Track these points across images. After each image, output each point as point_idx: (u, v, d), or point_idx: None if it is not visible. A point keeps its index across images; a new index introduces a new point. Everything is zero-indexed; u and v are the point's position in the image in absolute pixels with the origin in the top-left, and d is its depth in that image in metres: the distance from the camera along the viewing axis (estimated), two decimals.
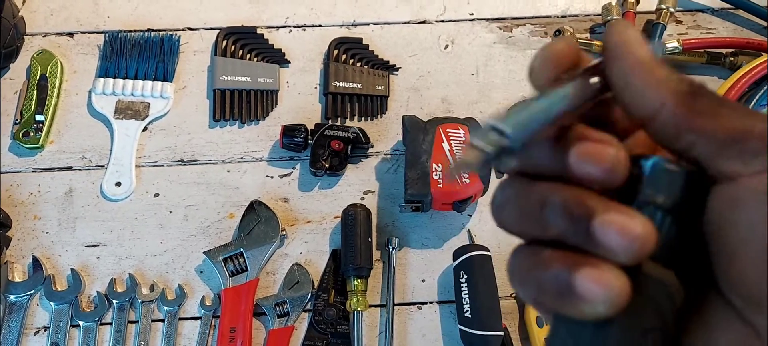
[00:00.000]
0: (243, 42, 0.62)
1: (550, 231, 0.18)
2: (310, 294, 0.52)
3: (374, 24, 0.64)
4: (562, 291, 0.17)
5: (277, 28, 0.64)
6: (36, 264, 0.52)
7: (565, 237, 0.17)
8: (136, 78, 0.60)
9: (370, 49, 0.63)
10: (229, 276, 0.52)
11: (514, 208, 0.19)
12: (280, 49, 0.62)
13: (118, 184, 0.56)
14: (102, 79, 0.59)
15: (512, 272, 0.19)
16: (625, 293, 0.16)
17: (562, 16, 0.65)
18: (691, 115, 0.17)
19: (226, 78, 0.59)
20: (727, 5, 0.64)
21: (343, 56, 0.61)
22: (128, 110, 0.59)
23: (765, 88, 0.57)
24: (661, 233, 0.17)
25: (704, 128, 0.17)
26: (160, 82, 0.60)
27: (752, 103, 0.56)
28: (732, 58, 0.61)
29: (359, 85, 0.60)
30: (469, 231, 0.55)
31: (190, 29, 0.63)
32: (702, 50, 0.61)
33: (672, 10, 0.61)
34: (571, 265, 0.17)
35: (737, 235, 0.16)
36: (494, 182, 0.57)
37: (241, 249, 0.53)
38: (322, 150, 0.55)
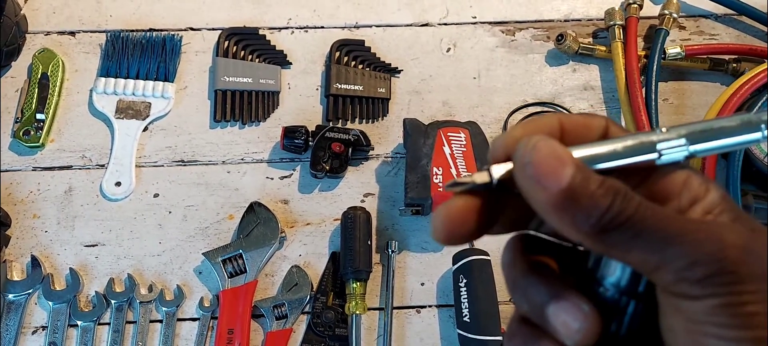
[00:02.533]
0: (245, 43, 0.61)
1: (519, 308, 0.20)
2: (308, 297, 0.52)
3: (376, 26, 0.64)
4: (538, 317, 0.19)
5: (279, 29, 0.64)
6: (35, 263, 0.52)
7: (530, 317, 0.20)
8: (137, 78, 0.60)
9: (372, 51, 0.62)
10: (228, 277, 0.52)
11: (504, 273, 0.21)
12: (282, 51, 0.62)
13: (118, 183, 0.56)
14: (103, 79, 0.59)
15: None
16: (593, 335, 0.18)
17: (565, 21, 0.65)
18: (606, 250, 0.18)
19: (227, 79, 0.59)
20: (730, 11, 0.64)
21: (345, 58, 0.61)
22: (129, 110, 0.59)
23: (767, 95, 0.56)
24: (625, 315, 0.19)
25: (622, 259, 0.18)
26: (161, 82, 0.60)
27: (755, 110, 0.55)
28: (735, 65, 0.61)
29: (361, 88, 0.60)
30: None
31: (192, 29, 0.63)
32: (705, 56, 0.61)
33: (675, 15, 0.60)
34: (532, 339, 0.20)
35: (673, 337, 0.18)
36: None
37: (240, 250, 0.53)
38: (322, 152, 0.55)
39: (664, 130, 0.19)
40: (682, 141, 0.18)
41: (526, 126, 0.20)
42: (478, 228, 0.19)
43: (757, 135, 0.18)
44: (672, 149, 0.18)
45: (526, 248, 0.21)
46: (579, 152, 0.18)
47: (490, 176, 0.19)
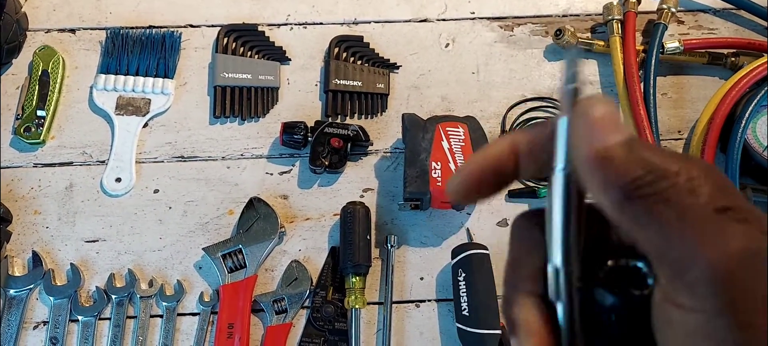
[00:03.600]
0: (244, 39, 0.62)
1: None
2: (308, 291, 0.52)
3: (375, 22, 0.64)
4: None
5: (278, 25, 0.64)
6: (36, 259, 0.53)
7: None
8: (137, 74, 0.60)
9: (371, 47, 0.63)
10: (228, 272, 0.52)
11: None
12: (281, 47, 0.62)
13: (119, 179, 0.56)
14: (103, 75, 0.60)
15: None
16: None
17: (563, 16, 0.65)
18: (624, 218, 0.18)
19: (226, 75, 0.59)
20: (728, 5, 0.64)
21: (344, 54, 0.62)
22: (129, 106, 0.59)
23: (766, 88, 0.56)
24: (606, 325, 0.18)
25: (635, 235, 0.18)
26: (161, 79, 0.60)
27: (753, 103, 0.55)
28: (733, 59, 0.61)
29: (359, 83, 0.60)
30: (467, 229, 0.55)
31: (192, 26, 0.63)
32: (703, 50, 0.61)
33: (673, 10, 0.60)
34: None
35: None
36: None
37: (240, 246, 0.53)
38: (321, 147, 0.55)
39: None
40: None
41: (475, 155, 0.21)
42: (495, 184, 0.20)
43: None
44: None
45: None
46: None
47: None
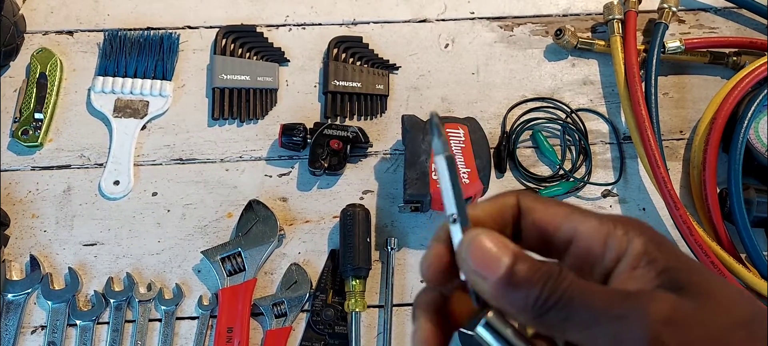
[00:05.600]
0: (242, 40, 0.61)
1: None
2: (308, 294, 0.52)
3: (374, 23, 0.64)
4: None
5: (277, 26, 0.63)
6: (33, 263, 0.52)
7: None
8: (135, 76, 0.60)
9: (370, 48, 0.62)
10: (227, 276, 0.52)
11: None
12: (280, 48, 0.62)
13: (117, 182, 0.56)
14: (101, 78, 0.59)
15: None
16: None
17: (564, 15, 0.65)
18: (547, 330, 0.19)
19: (225, 76, 0.59)
20: (730, 4, 0.64)
21: (343, 55, 0.61)
22: (127, 109, 0.59)
23: (767, 89, 0.56)
24: None
25: (562, 338, 0.19)
26: (159, 81, 0.60)
27: (755, 103, 0.55)
28: (735, 58, 0.61)
29: (359, 85, 0.60)
30: None
31: (190, 27, 0.63)
32: (705, 50, 0.61)
33: (674, 9, 0.60)
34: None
35: None
36: (494, 181, 0.56)
37: (239, 249, 0.52)
38: (321, 149, 0.55)
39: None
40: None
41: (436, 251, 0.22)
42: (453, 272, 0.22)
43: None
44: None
45: None
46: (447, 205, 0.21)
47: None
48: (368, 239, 0.52)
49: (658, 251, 0.19)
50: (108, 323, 0.51)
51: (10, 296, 0.51)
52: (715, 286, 0.18)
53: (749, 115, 0.54)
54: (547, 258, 0.21)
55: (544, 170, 0.58)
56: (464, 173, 0.51)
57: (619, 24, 0.60)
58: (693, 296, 0.18)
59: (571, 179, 0.57)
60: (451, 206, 0.21)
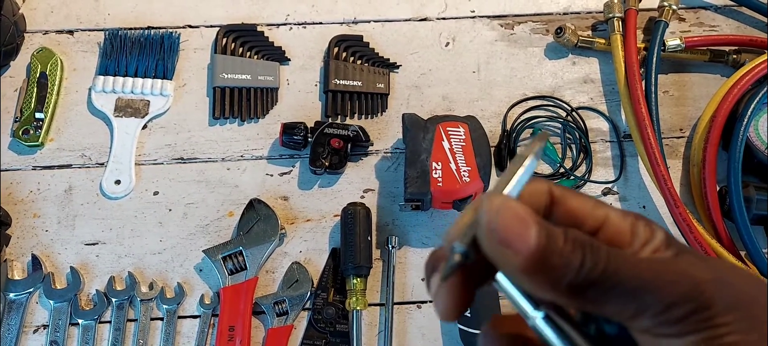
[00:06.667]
0: (243, 39, 0.61)
1: None
2: (309, 293, 0.52)
3: (375, 21, 0.64)
4: None
5: (278, 25, 0.63)
6: (35, 262, 0.52)
7: None
8: (136, 76, 0.60)
9: (371, 46, 0.62)
10: (229, 275, 0.52)
11: None
12: (281, 47, 0.62)
13: (118, 182, 0.56)
14: (102, 77, 0.59)
15: None
16: None
17: (564, 13, 0.65)
18: (582, 305, 0.18)
19: (226, 76, 0.59)
20: (730, 2, 0.64)
21: (344, 54, 0.61)
22: (128, 108, 0.59)
23: (767, 86, 0.56)
24: None
25: (599, 312, 0.18)
26: (160, 80, 0.60)
27: (755, 101, 0.55)
28: (735, 56, 0.61)
29: (359, 83, 0.60)
30: None
31: (191, 27, 0.63)
32: (705, 48, 0.61)
33: (674, 7, 0.60)
34: None
35: None
36: (494, 180, 0.56)
37: (241, 247, 0.53)
38: (321, 148, 0.55)
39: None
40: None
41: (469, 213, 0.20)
42: (472, 294, 0.20)
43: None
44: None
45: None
46: (504, 189, 0.19)
47: (461, 254, 0.19)
48: (369, 238, 0.52)
49: (675, 240, 0.20)
50: (110, 322, 0.51)
51: (12, 295, 0.51)
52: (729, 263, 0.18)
53: (749, 113, 0.54)
54: None
55: (544, 168, 0.58)
56: (465, 171, 0.51)
57: (620, 22, 0.60)
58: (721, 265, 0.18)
59: (572, 177, 0.57)
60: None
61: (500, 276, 0.19)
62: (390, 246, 0.53)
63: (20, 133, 0.57)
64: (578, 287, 0.17)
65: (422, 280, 0.53)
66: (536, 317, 0.18)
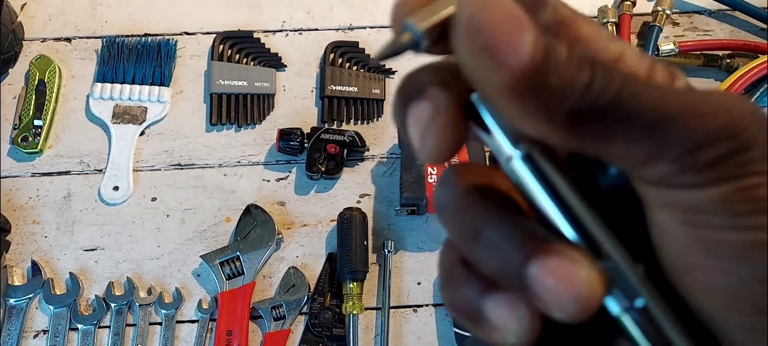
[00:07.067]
0: (239, 46, 0.62)
1: (480, 267, 0.15)
2: (306, 297, 0.52)
3: (370, 28, 0.64)
4: (473, 314, 0.15)
5: (274, 32, 0.64)
6: (35, 268, 0.53)
7: (497, 278, 0.15)
8: (133, 83, 0.60)
9: (366, 53, 0.63)
10: (226, 279, 0.52)
11: (450, 221, 0.16)
12: (277, 53, 0.62)
13: (116, 188, 0.56)
14: (99, 84, 0.60)
15: (439, 273, 0.17)
16: (537, 329, 0.14)
17: None
18: (581, 143, 0.14)
19: (222, 82, 0.59)
20: (724, 7, 0.64)
21: (339, 60, 0.62)
22: (126, 115, 0.59)
23: (762, 89, 0.57)
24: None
25: (601, 154, 0.14)
26: (157, 87, 0.60)
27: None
28: (729, 60, 0.61)
29: (355, 89, 0.60)
30: None
31: (187, 34, 0.63)
32: (699, 52, 0.61)
33: (668, 12, 0.60)
34: (486, 287, 0.15)
35: (662, 235, 0.14)
36: None
37: (238, 253, 0.53)
38: (318, 154, 0.56)
39: None
40: None
41: None
42: (461, 128, 0.15)
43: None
44: None
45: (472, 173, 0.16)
46: None
47: (412, 36, 0.14)
48: (365, 242, 0.53)
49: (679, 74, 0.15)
50: (109, 327, 0.52)
51: (12, 301, 0.52)
52: None
53: None
54: None
55: None
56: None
57: (614, 27, 0.61)
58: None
59: None
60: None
61: (474, 97, 0.14)
62: (386, 251, 0.53)
63: (19, 140, 0.57)
64: (581, 117, 0.13)
65: (418, 284, 0.54)
66: (513, 156, 0.14)
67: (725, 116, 0.13)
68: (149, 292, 0.53)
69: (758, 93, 0.56)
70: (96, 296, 0.52)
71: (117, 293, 0.53)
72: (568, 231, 0.14)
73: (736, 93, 0.13)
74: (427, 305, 0.53)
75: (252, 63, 0.61)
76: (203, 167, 0.58)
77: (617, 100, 0.13)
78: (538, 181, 0.14)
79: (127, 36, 0.63)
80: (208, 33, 0.63)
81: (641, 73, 0.15)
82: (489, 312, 0.15)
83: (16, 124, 0.58)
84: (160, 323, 0.52)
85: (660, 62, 0.16)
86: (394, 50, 0.15)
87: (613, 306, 0.14)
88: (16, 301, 0.52)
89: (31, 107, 0.58)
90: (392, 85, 0.62)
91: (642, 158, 0.13)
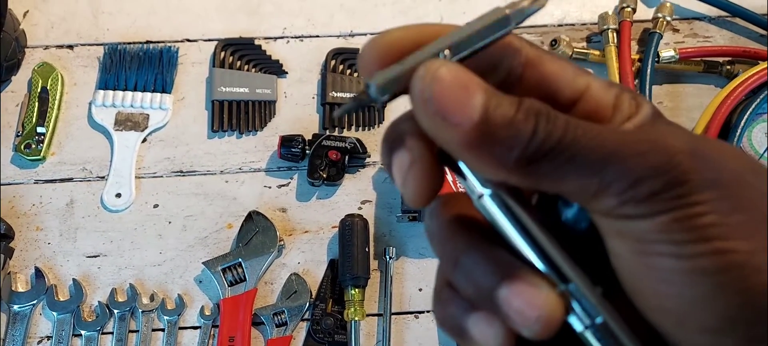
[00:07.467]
0: (241, 53, 0.62)
1: (460, 290, 0.17)
2: (307, 304, 0.53)
3: (371, 34, 0.64)
4: (458, 330, 0.17)
5: (275, 39, 0.64)
6: (38, 274, 0.53)
7: (474, 300, 0.17)
8: (135, 90, 0.60)
9: None
10: (228, 286, 0.53)
11: (436, 249, 0.18)
12: (278, 60, 0.63)
13: (118, 195, 0.57)
14: (102, 91, 0.60)
15: (433, 291, 0.19)
16: (512, 344, 0.16)
17: (559, 25, 0.65)
18: (536, 183, 0.15)
19: (224, 89, 0.60)
20: (724, 13, 0.64)
21: (340, 67, 0.62)
22: (128, 122, 0.60)
23: (762, 96, 0.57)
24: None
25: (556, 190, 0.15)
26: (159, 94, 0.60)
27: (749, 111, 0.56)
28: (729, 67, 0.61)
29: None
30: None
31: (189, 41, 0.64)
32: (699, 59, 0.61)
33: (668, 18, 0.61)
34: (468, 307, 0.17)
35: (620, 262, 0.16)
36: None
37: (240, 259, 0.53)
38: (319, 160, 0.56)
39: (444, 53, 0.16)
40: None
41: (408, 30, 0.17)
42: (439, 174, 0.17)
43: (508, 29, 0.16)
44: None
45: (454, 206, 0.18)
46: (439, 44, 0.16)
47: (369, 95, 0.16)
48: (367, 249, 0.53)
49: (666, 119, 0.17)
50: (112, 333, 0.52)
51: (16, 307, 0.52)
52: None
53: (742, 123, 0.55)
54: None
55: None
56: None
57: (614, 34, 0.61)
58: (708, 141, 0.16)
59: None
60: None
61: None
62: (387, 257, 0.54)
63: (22, 147, 0.58)
64: (529, 161, 0.15)
65: (420, 290, 0.54)
66: (483, 195, 0.16)
67: (660, 153, 0.14)
68: (152, 298, 0.53)
69: (758, 100, 0.56)
70: (99, 302, 0.53)
71: (120, 300, 0.53)
72: (533, 259, 0.16)
73: (677, 128, 0.15)
74: (428, 312, 0.53)
75: (253, 70, 0.62)
76: (205, 174, 0.58)
77: (560, 144, 0.15)
78: (506, 216, 0.16)
79: (129, 43, 0.63)
80: (209, 40, 0.63)
81: (606, 108, 0.17)
82: (470, 329, 0.17)
83: (19, 132, 0.59)
84: (162, 330, 0.52)
85: (626, 91, 0.17)
86: (352, 106, 0.17)
87: (577, 324, 0.16)
88: (19, 307, 0.52)
89: (34, 114, 0.59)
90: None
91: (591, 194, 0.15)
